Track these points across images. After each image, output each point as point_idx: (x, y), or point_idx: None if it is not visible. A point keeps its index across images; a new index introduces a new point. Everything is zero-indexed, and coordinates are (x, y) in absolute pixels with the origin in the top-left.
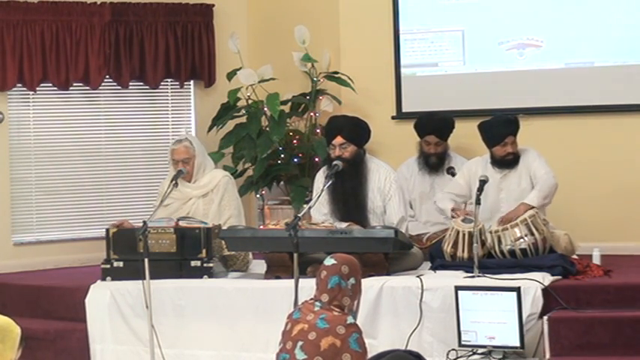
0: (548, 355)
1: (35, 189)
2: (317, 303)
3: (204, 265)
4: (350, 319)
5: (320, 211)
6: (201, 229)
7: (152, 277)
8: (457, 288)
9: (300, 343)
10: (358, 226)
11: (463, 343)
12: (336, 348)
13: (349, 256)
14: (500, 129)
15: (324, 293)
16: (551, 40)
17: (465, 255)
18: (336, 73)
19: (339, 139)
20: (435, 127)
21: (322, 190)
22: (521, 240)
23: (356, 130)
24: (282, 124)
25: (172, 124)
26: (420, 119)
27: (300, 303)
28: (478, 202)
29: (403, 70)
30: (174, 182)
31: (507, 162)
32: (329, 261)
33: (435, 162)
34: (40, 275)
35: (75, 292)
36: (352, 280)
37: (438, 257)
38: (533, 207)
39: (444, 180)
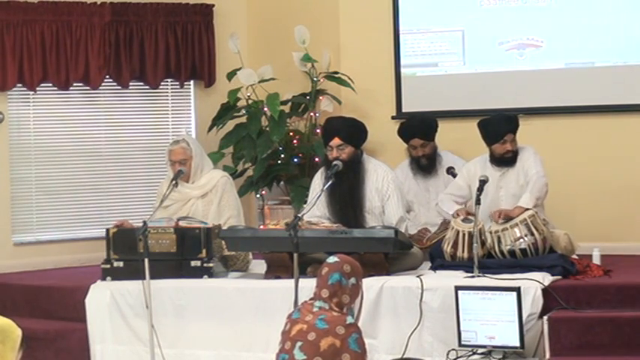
0: (548, 355)
1: (35, 189)
2: (316, 303)
3: (204, 265)
4: (349, 319)
5: (312, 213)
6: (201, 229)
7: (152, 277)
8: (457, 288)
9: (299, 344)
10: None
11: (463, 343)
12: (335, 348)
13: (352, 259)
14: (499, 127)
15: (324, 289)
16: (551, 40)
17: (465, 255)
18: (336, 73)
19: (336, 141)
20: (415, 129)
21: (322, 191)
22: (521, 240)
23: (353, 132)
24: (282, 124)
25: (172, 124)
26: (401, 125)
27: (299, 303)
28: (478, 202)
29: (403, 70)
30: (174, 182)
31: (506, 160)
32: (332, 259)
33: (425, 164)
34: (40, 275)
35: (75, 292)
36: (353, 280)
37: (438, 257)
38: (528, 209)
39: (439, 181)
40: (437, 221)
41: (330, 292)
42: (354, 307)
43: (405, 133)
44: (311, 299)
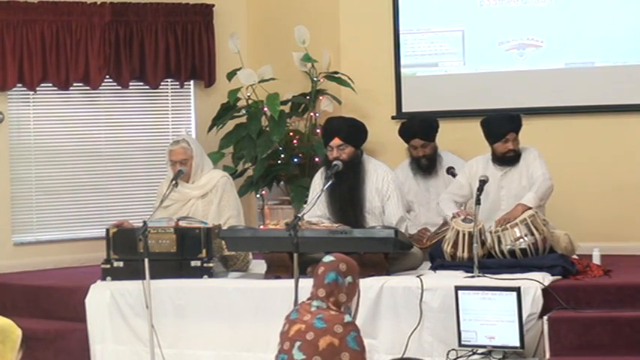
0: (548, 355)
1: (35, 189)
2: (314, 303)
3: (204, 265)
4: (347, 318)
5: (313, 212)
6: (201, 229)
7: (152, 277)
8: (457, 288)
9: (297, 344)
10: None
11: (463, 343)
12: (334, 347)
13: (348, 257)
14: (501, 125)
15: (320, 288)
16: (551, 40)
17: (465, 255)
18: (336, 73)
19: (336, 141)
20: (416, 130)
21: (322, 191)
22: (521, 240)
23: (353, 132)
24: (282, 124)
25: (172, 124)
26: (402, 125)
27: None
28: (478, 202)
29: (403, 70)
30: (174, 182)
31: (508, 159)
32: (327, 258)
33: (425, 164)
34: (40, 275)
35: (75, 292)
36: (349, 279)
37: (438, 257)
38: (530, 208)
39: (440, 182)
40: (437, 221)
41: (326, 291)
42: (352, 305)
43: (405, 133)
44: (308, 299)
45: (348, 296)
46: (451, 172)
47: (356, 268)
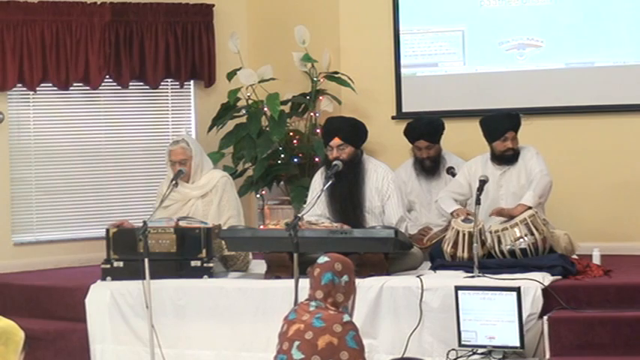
0: (548, 355)
1: (35, 189)
2: (312, 303)
3: (204, 265)
4: (346, 317)
5: (313, 212)
6: (201, 229)
7: (152, 277)
8: (457, 288)
9: (296, 343)
10: (348, 226)
11: (463, 343)
12: (333, 346)
13: (343, 256)
14: (500, 124)
15: (318, 290)
16: (551, 40)
17: (465, 255)
18: (336, 73)
19: (336, 141)
20: (422, 131)
21: (322, 191)
22: (521, 240)
23: (353, 131)
24: (282, 124)
25: (172, 124)
26: (408, 125)
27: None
28: (478, 202)
29: (403, 70)
30: (174, 182)
31: (507, 158)
32: (322, 259)
33: (429, 165)
34: (40, 275)
35: (75, 292)
36: (345, 278)
37: (438, 257)
38: (530, 207)
39: (442, 183)
40: (438, 222)
41: (324, 292)
42: (349, 304)
43: (411, 134)
44: (306, 300)
45: (345, 296)
46: (451, 171)
47: (351, 267)
